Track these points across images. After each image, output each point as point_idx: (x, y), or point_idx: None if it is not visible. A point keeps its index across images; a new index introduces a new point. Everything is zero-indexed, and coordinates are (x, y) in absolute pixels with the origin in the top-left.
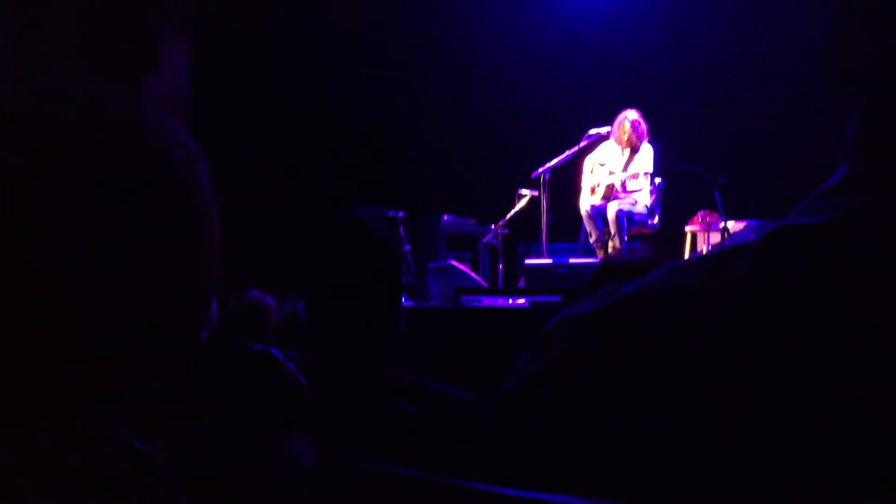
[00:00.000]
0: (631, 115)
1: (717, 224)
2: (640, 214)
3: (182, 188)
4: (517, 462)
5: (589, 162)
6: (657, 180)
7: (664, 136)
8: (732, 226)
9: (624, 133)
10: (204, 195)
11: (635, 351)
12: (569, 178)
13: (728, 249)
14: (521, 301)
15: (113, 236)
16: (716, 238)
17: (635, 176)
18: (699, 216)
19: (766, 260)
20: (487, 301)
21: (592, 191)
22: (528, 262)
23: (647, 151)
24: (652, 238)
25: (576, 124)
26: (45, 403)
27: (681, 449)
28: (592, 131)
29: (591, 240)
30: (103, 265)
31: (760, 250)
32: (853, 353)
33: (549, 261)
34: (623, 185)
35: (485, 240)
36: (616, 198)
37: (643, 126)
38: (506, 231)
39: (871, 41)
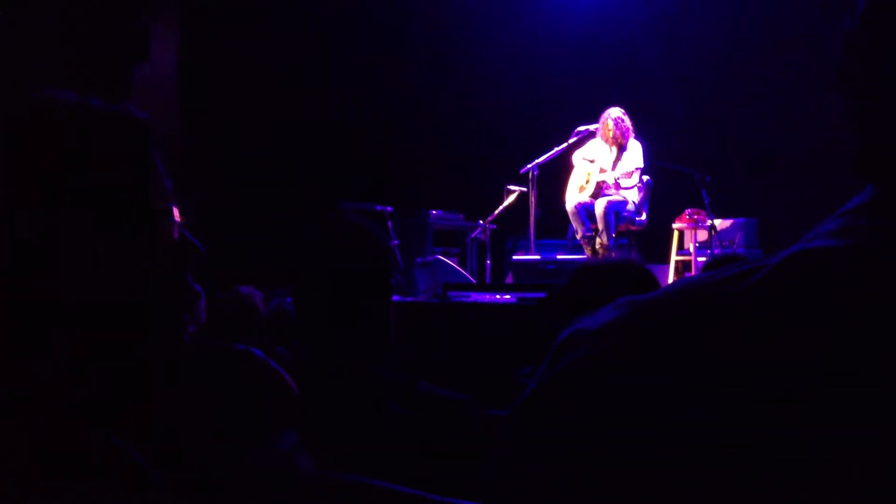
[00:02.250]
0: (614, 112)
1: (705, 222)
2: (628, 211)
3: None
4: (531, 479)
5: (577, 158)
6: (645, 178)
7: (653, 133)
8: (719, 223)
9: (609, 131)
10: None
11: (661, 363)
12: (557, 175)
13: (758, 259)
14: (509, 297)
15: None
16: (703, 235)
17: (629, 175)
18: (687, 214)
19: (784, 280)
20: (475, 296)
21: (581, 188)
22: (515, 257)
23: (635, 148)
24: (639, 235)
25: (564, 121)
26: (25, 405)
27: (705, 468)
28: (581, 128)
29: (579, 236)
30: (66, 259)
31: (780, 270)
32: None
33: (536, 257)
34: (616, 183)
35: (473, 235)
36: (605, 194)
37: (627, 123)
38: (494, 227)
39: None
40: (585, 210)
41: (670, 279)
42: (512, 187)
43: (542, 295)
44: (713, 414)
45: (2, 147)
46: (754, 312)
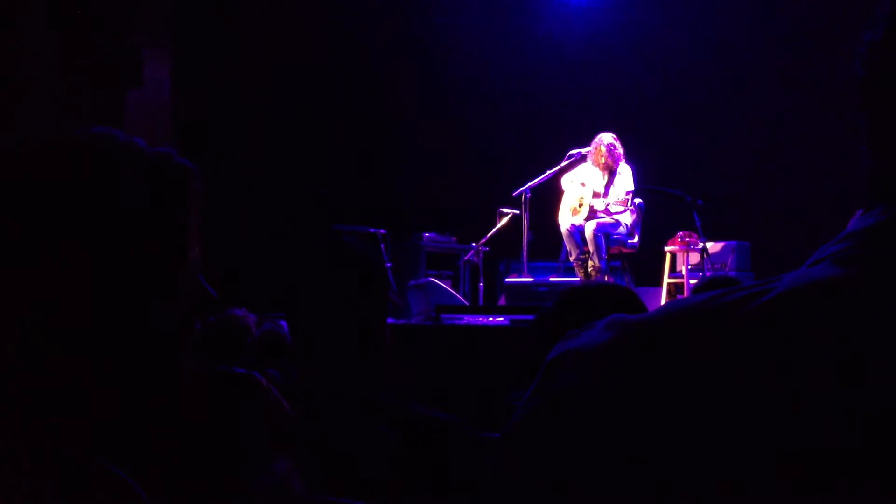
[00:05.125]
0: (606, 138)
1: (697, 244)
2: (619, 234)
3: (173, 212)
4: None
5: (567, 181)
6: (637, 201)
7: (645, 156)
8: (711, 246)
9: (601, 157)
10: (191, 220)
11: (660, 388)
12: (550, 198)
13: (756, 285)
14: (502, 319)
15: (109, 262)
16: (695, 258)
17: (623, 203)
18: (679, 236)
19: (789, 309)
20: (468, 318)
21: (574, 211)
22: (508, 280)
23: (626, 172)
24: (632, 257)
25: (557, 144)
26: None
27: (710, 498)
28: (573, 151)
29: (572, 258)
30: (96, 291)
31: (786, 298)
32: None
33: (529, 279)
34: (607, 209)
35: (466, 258)
36: (597, 217)
37: (619, 150)
38: (487, 249)
39: None
40: (579, 232)
41: (663, 302)
42: (505, 210)
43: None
44: (716, 440)
45: (50, 177)
46: (759, 340)
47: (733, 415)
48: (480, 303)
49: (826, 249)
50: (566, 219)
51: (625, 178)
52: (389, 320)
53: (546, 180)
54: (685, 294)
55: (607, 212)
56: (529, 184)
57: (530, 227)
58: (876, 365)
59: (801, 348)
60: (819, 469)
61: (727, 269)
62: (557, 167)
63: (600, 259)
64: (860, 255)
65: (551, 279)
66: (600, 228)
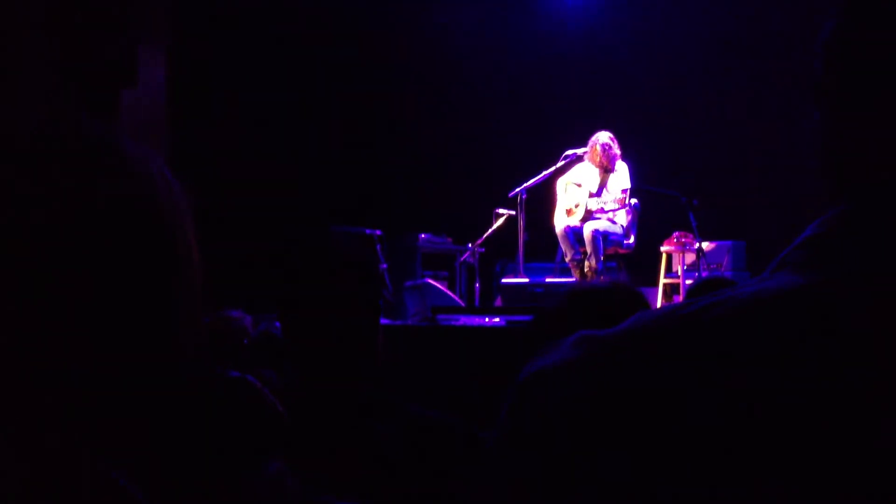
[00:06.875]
0: (602, 137)
1: (692, 244)
2: (615, 234)
3: (165, 218)
4: None
5: (563, 182)
6: (633, 201)
7: (640, 156)
8: (707, 246)
9: (596, 156)
10: (185, 224)
11: (628, 408)
12: (546, 198)
13: (717, 294)
14: (498, 320)
15: (97, 268)
16: (691, 258)
17: (620, 201)
18: (674, 237)
19: (750, 319)
20: (464, 320)
21: (569, 212)
22: (504, 280)
23: (622, 170)
24: (627, 258)
25: (553, 144)
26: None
27: None
28: (569, 151)
29: (567, 259)
30: (83, 296)
31: (747, 307)
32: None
33: (525, 280)
34: (601, 209)
35: (462, 258)
36: (594, 218)
37: (615, 149)
38: (483, 250)
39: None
40: (574, 233)
41: (659, 302)
42: (501, 211)
43: (531, 318)
44: (689, 452)
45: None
46: (721, 350)
47: (702, 425)
48: (477, 304)
49: (786, 257)
50: (562, 220)
51: (621, 175)
52: (385, 321)
53: (542, 181)
54: (681, 294)
55: (602, 210)
56: (525, 184)
57: (526, 228)
58: (843, 368)
59: (765, 357)
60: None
61: (723, 269)
62: (553, 168)
63: (597, 260)
64: (817, 263)
65: (547, 280)
66: (598, 229)
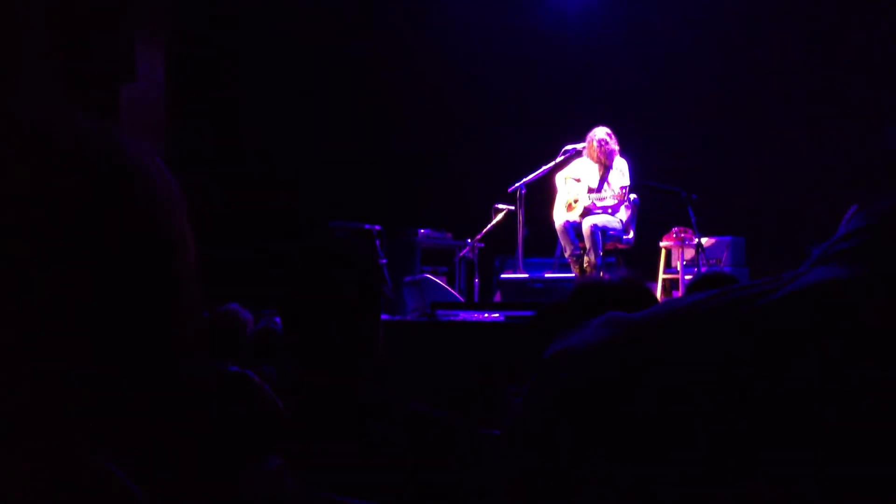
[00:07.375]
0: (599, 133)
1: (692, 240)
2: (615, 229)
3: (163, 216)
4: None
5: (560, 179)
6: (632, 196)
7: (640, 151)
8: (706, 241)
9: (593, 151)
10: (183, 221)
11: (667, 386)
12: (545, 194)
13: (755, 285)
14: (497, 315)
15: (94, 266)
16: (690, 254)
17: (618, 198)
18: (674, 232)
19: (796, 309)
20: (463, 315)
21: (569, 207)
22: (504, 276)
23: (621, 166)
24: (627, 253)
25: (552, 140)
26: (19, 425)
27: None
28: (568, 147)
29: (567, 254)
30: (81, 293)
31: (792, 298)
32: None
33: (524, 275)
34: (594, 204)
35: (461, 254)
36: (593, 213)
37: (611, 144)
38: (482, 245)
39: None
40: (574, 229)
41: (658, 297)
42: (500, 206)
43: (530, 313)
44: (724, 440)
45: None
46: (767, 339)
47: (734, 413)
48: (476, 299)
49: (832, 247)
50: (561, 215)
51: (620, 172)
52: (384, 317)
53: (541, 176)
54: (680, 290)
55: (602, 207)
56: (524, 179)
57: (525, 224)
58: (891, 363)
59: (813, 347)
60: (827, 470)
61: (722, 264)
62: (552, 163)
63: (596, 255)
64: (869, 253)
65: (546, 275)
66: (597, 225)
